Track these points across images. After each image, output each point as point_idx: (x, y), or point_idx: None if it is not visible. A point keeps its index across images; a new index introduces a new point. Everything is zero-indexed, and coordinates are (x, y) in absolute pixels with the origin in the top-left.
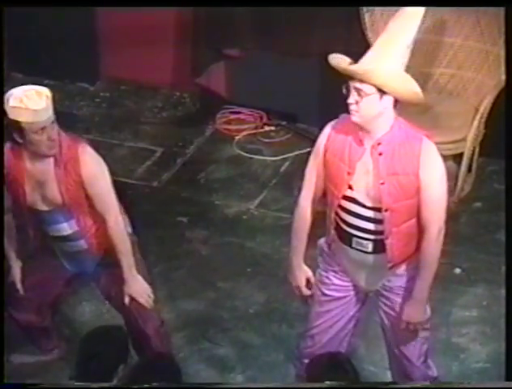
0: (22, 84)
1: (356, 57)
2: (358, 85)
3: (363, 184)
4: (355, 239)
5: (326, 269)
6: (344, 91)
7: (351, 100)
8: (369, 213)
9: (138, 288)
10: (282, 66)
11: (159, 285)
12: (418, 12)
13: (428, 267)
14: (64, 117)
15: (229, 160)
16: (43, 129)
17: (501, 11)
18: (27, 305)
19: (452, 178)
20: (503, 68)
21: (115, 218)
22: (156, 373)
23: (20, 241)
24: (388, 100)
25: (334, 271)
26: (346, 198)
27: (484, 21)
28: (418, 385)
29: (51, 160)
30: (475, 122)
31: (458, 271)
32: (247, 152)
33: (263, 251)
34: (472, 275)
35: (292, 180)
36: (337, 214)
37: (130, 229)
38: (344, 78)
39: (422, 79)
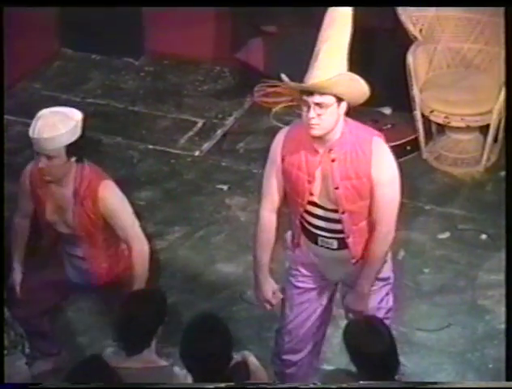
0: (71, 59)
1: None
2: (319, 99)
3: (321, 188)
4: (320, 238)
5: (294, 261)
6: (304, 108)
7: (312, 114)
8: (329, 214)
9: None
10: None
11: (200, 249)
12: (348, 13)
13: (372, 266)
14: (110, 91)
15: (267, 130)
16: (38, 153)
17: None
18: (25, 306)
19: (479, 149)
20: None
21: (141, 247)
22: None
23: (30, 246)
24: (344, 107)
25: (303, 263)
26: (308, 202)
27: None
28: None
29: (71, 189)
30: (501, 96)
31: (484, 236)
32: (283, 124)
33: None
34: (498, 241)
35: None
36: (302, 217)
37: None
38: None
39: (450, 54)
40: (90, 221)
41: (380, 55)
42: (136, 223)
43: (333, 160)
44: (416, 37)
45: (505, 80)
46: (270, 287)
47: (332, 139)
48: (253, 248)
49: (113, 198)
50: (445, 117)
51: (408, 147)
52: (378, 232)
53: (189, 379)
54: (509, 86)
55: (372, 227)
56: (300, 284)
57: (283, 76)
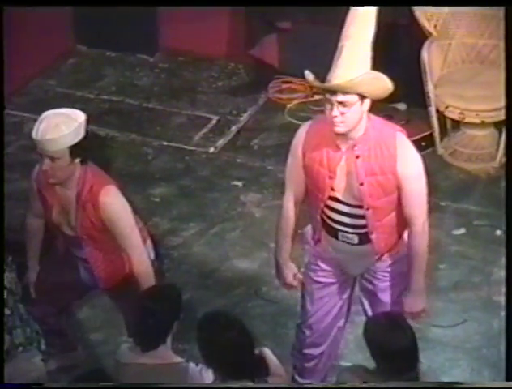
0: (86, 56)
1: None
2: (342, 98)
3: (344, 184)
4: (341, 233)
5: (314, 256)
6: (327, 106)
7: (335, 113)
8: (353, 210)
9: None
10: (331, 38)
11: (214, 245)
12: (372, 10)
13: (419, 259)
14: (125, 87)
15: (281, 127)
16: (41, 155)
17: None
18: (40, 305)
19: (494, 144)
20: None
21: (139, 256)
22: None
23: (45, 247)
24: (367, 104)
25: (322, 258)
26: (329, 197)
27: None
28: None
29: (75, 192)
30: None
31: (499, 232)
32: (298, 120)
33: None
34: None
35: None
36: (323, 212)
37: (153, 255)
38: None
39: (465, 49)
40: (92, 225)
41: (395, 51)
42: (135, 232)
43: (357, 157)
44: (430, 33)
45: (505, 81)
46: (290, 271)
47: (355, 136)
48: (275, 235)
49: (113, 205)
50: (460, 113)
51: (423, 143)
52: (416, 225)
53: (205, 375)
54: (509, 87)
55: (405, 222)
56: (320, 279)
57: (308, 74)
